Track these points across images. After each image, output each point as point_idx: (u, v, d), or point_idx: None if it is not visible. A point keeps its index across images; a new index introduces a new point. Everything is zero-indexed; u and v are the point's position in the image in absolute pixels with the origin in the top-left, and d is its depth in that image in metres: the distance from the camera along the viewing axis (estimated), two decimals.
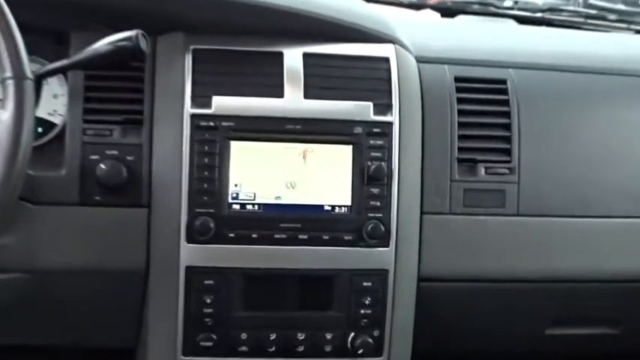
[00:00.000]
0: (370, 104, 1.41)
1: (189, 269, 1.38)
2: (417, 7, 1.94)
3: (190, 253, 1.37)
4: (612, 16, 2.01)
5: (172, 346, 1.40)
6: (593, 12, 1.98)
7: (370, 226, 1.40)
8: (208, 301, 1.39)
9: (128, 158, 1.36)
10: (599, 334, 1.66)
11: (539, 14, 2.00)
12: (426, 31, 1.69)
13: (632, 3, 2.05)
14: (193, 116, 1.36)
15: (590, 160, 1.52)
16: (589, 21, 2.00)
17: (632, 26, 1.99)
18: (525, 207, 1.49)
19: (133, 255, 1.38)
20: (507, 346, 1.67)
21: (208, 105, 1.37)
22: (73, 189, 1.35)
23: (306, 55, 1.42)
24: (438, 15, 1.93)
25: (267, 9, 1.40)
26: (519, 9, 1.99)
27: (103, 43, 1.31)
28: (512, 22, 1.94)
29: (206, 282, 1.38)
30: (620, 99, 1.57)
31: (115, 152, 1.36)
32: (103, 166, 1.35)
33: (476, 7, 1.94)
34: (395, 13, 1.84)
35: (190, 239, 1.37)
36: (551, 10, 2.00)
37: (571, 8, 1.96)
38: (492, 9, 1.96)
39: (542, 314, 1.60)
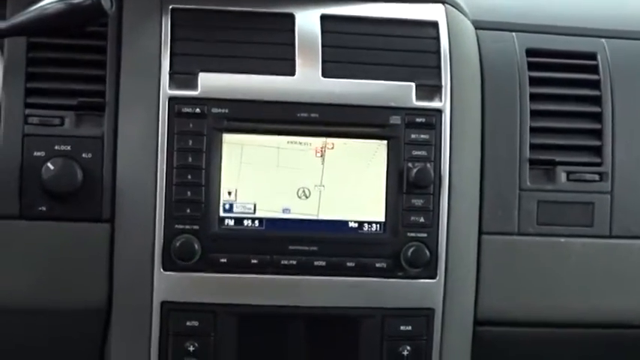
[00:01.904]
0: (412, 85, 1.30)
1: (165, 306, 1.26)
2: None
3: (167, 285, 1.26)
4: None
5: None
6: None
7: (411, 250, 1.28)
8: (191, 348, 1.27)
9: (84, 156, 1.26)
10: None
11: None
12: None
13: None
14: (172, 100, 1.26)
15: None
16: None
17: None
18: (621, 226, 1.37)
19: (89, 287, 1.27)
20: None
21: (193, 85, 1.27)
22: (10, 197, 1.26)
23: (324, 19, 1.33)
24: None
25: None
26: None
27: (52, 1, 1.22)
28: None
29: (188, 323, 1.27)
30: None
31: (66, 148, 1.26)
32: (50, 166, 1.24)
33: None
34: None
35: (167, 266, 1.25)
36: None
37: None
38: None
39: None
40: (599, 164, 1.36)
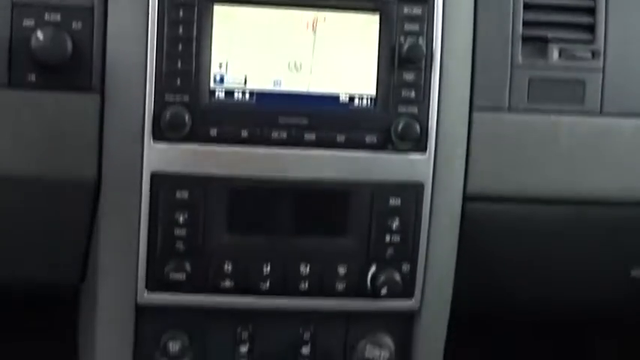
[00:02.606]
0: None
1: (155, 177, 1.26)
2: None
3: (158, 156, 1.25)
4: None
5: (132, 279, 1.29)
6: None
7: (402, 124, 1.27)
8: (181, 219, 1.27)
9: (74, 26, 1.23)
10: None
11: None
12: None
13: None
14: None
15: None
16: None
17: None
18: (612, 104, 1.36)
19: (79, 158, 1.26)
20: (577, 301, 1.54)
21: None
22: None
23: None
24: None
25: None
26: None
27: None
28: None
29: (178, 194, 1.26)
30: None
31: (56, 17, 1.23)
32: (40, 35, 1.21)
33: None
34: None
35: (158, 137, 1.25)
36: None
37: None
38: None
39: (628, 250, 1.45)
40: (591, 42, 1.35)
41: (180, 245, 1.26)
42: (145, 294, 1.28)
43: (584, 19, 1.35)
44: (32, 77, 1.22)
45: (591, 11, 1.35)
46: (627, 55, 1.36)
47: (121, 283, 1.29)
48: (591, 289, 1.49)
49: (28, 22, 1.21)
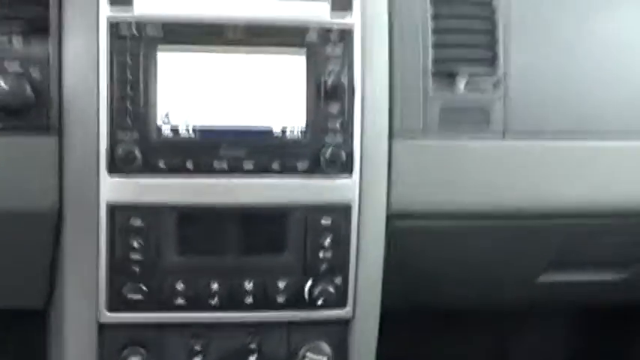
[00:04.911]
0: (326, 3, 1.34)
1: (111, 207, 1.31)
2: None
3: (113, 187, 1.30)
4: None
5: (93, 300, 1.32)
6: None
7: (329, 151, 1.33)
8: (136, 244, 1.31)
9: (33, 75, 1.28)
10: (598, 281, 1.62)
11: None
12: None
13: None
14: (111, 21, 1.29)
15: (591, 72, 1.46)
16: None
17: None
18: (514, 128, 1.43)
19: (42, 192, 1.30)
20: (491, 298, 1.64)
21: (129, 7, 1.29)
22: None
23: None
24: None
25: None
26: None
27: None
28: None
29: (133, 222, 1.31)
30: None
31: (16, 66, 1.28)
32: (2, 83, 1.26)
33: None
34: None
35: (112, 170, 1.29)
36: None
37: None
38: None
39: (534, 258, 1.55)
40: (493, 73, 1.41)
41: (136, 268, 1.30)
42: (107, 314, 1.31)
43: (486, 54, 1.42)
44: None
45: (492, 47, 1.42)
46: (526, 84, 1.43)
47: (84, 304, 1.32)
48: (501, 290, 1.57)
49: None
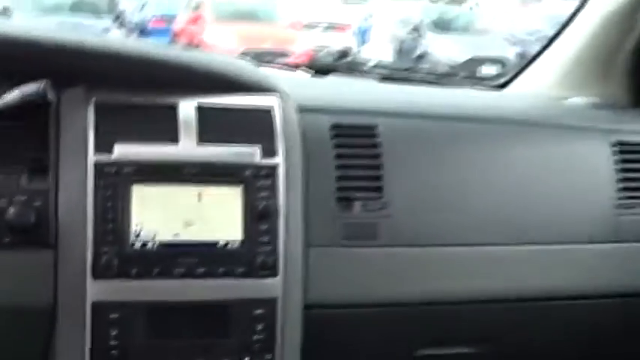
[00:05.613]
0: (258, 148, 1.55)
1: (95, 304, 1.47)
2: (292, 67, 2.20)
3: (96, 289, 1.47)
4: (461, 74, 2.35)
5: None
6: (444, 71, 2.22)
7: (260, 258, 1.53)
8: (114, 333, 1.47)
9: (35, 204, 1.46)
10: (467, 353, 1.80)
11: (400, 73, 2.30)
12: (304, 86, 1.88)
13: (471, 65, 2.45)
14: (96, 163, 1.48)
15: (454, 195, 1.70)
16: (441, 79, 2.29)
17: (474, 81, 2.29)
18: (397, 238, 1.65)
19: (40, 293, 1.46)
20: None
21: (110, 152, 1.48)
22: None
23: (199, 106, 1.56)
24: (310, 74, 2.18)
25: (155, 63, 1.56)
26: (383, 67, 2.28)
27: (12, 94, 1.43)
28: (376, 81, 2.19)
29: (111, 315, 1.48)
30: (473, 141, 1.77)
31: (23, 197, 1.45)
32: (12, 210, 1.44)
33: (345, 66, 2.21)
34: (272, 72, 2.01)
35: (97, 276, 1.46)
36: (409, 70, 2.33)
37: (426, 67, 2.20)
38: (359, 68, 2.24)
39: (416, 335, 1.73)
40: (380, 198, 1.64)
41: (114, 352, 1.47)
42: None
43: (375, 184, 1.65)
44: (7, 239, 1.43)
45: (379, 178, 1.65)
46: (406, 205, 1.65)
47: None
48: None
49: (3, 201, 1.44)
